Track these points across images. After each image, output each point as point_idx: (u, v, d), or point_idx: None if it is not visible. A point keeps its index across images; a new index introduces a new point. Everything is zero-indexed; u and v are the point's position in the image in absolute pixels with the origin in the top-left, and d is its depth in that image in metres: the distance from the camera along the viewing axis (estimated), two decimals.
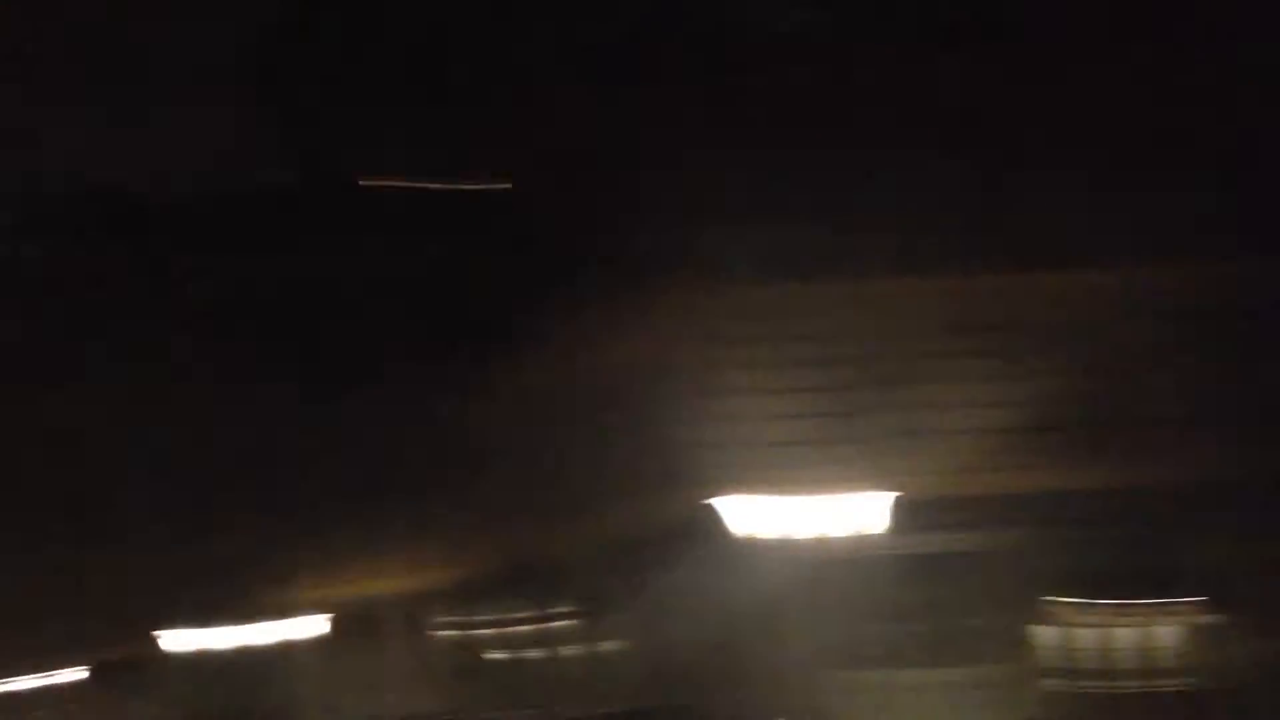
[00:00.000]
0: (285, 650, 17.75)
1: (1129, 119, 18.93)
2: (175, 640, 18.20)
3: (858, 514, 17.43)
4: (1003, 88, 19.04)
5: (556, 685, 18.22)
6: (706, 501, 16.48)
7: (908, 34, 17.49)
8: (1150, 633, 21.26)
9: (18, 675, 18.21)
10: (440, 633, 18.94)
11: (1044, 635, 19.06)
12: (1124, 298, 20.50)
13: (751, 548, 16.99)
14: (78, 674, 18.59)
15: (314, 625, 17.84)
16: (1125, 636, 21.05)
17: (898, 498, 18.12)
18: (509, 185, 17.46)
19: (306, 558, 17.10)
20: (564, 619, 18.44)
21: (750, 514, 17.22)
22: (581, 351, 17.56)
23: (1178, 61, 18.14)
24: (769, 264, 17.62)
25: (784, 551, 17.85)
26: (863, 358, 19.30)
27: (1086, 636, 20.21)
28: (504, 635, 18.67)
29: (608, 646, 17.92)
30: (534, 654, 18.59)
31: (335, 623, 18.38)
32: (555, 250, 16.95)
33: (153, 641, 17.90)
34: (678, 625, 16.99)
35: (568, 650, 18.29)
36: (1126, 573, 20.58)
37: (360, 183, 17.68)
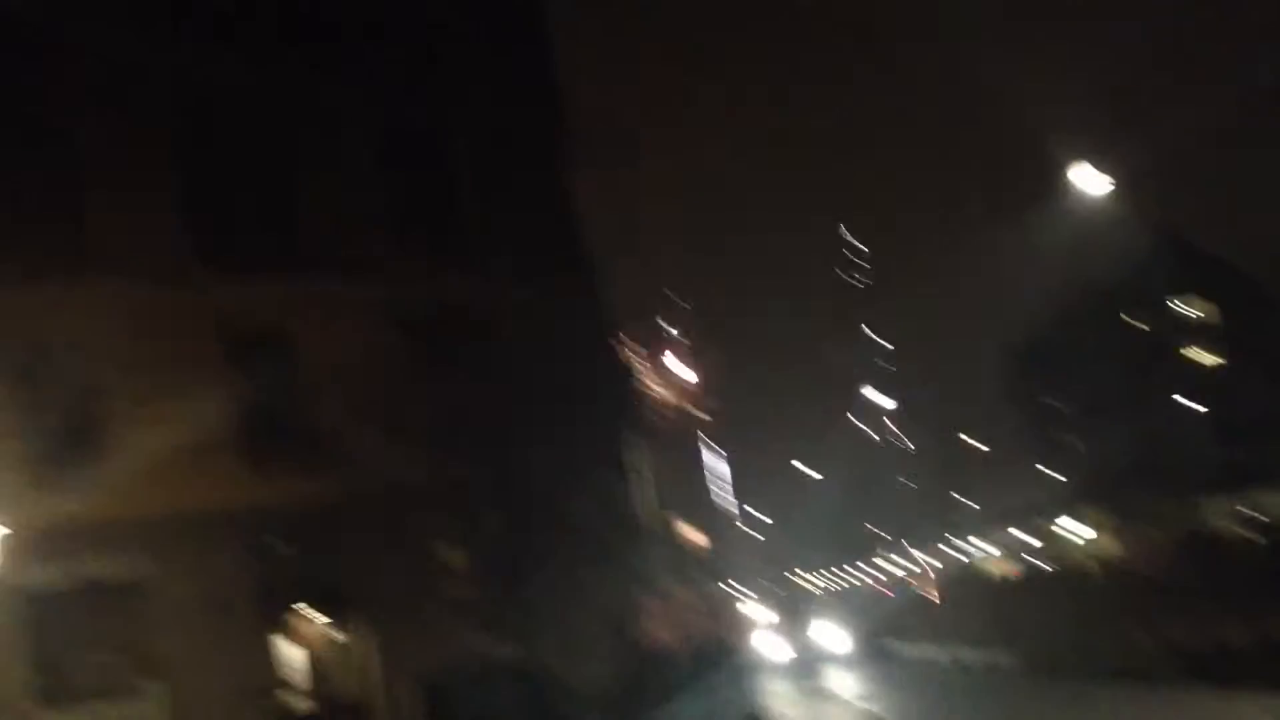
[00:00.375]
0: None
1: None
2: None
3: None
4: None
5: None
6: None
7: None
8: (318, 644, 22.39)
9: None
10: None
11: (230, 653, 19.36)
12: (302, 311, 21.36)
13: None
14: None
15: None
16: (300, 649, 21.96)
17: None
18: None
19: None
20: None
21: None
22: None
23: None
24: None
25: None
26: None
27: (272, 649, 20.83)
28: None
29: None
30: None
31: None
32: None
33: None
34: None
35: None
36: (293, 586, 21.51)
37: None
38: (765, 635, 34.44)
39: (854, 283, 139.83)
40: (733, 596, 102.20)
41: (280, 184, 22.43)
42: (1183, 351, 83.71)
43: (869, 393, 73.28)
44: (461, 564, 21.61)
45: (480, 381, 20.12)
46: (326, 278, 21.58)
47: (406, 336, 20.58)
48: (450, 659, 17.46)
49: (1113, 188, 28.22)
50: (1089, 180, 28.85)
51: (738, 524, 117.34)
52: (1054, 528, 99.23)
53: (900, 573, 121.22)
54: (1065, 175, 28.99)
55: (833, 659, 28.74)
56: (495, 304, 19.89)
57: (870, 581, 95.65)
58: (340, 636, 22.20)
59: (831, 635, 30.46)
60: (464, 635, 21.19)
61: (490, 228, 22.56)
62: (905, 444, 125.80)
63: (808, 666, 27.62)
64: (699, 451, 57.91)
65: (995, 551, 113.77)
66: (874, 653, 33.46)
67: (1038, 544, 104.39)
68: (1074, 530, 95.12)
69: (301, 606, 21.83)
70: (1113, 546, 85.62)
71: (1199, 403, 78.91)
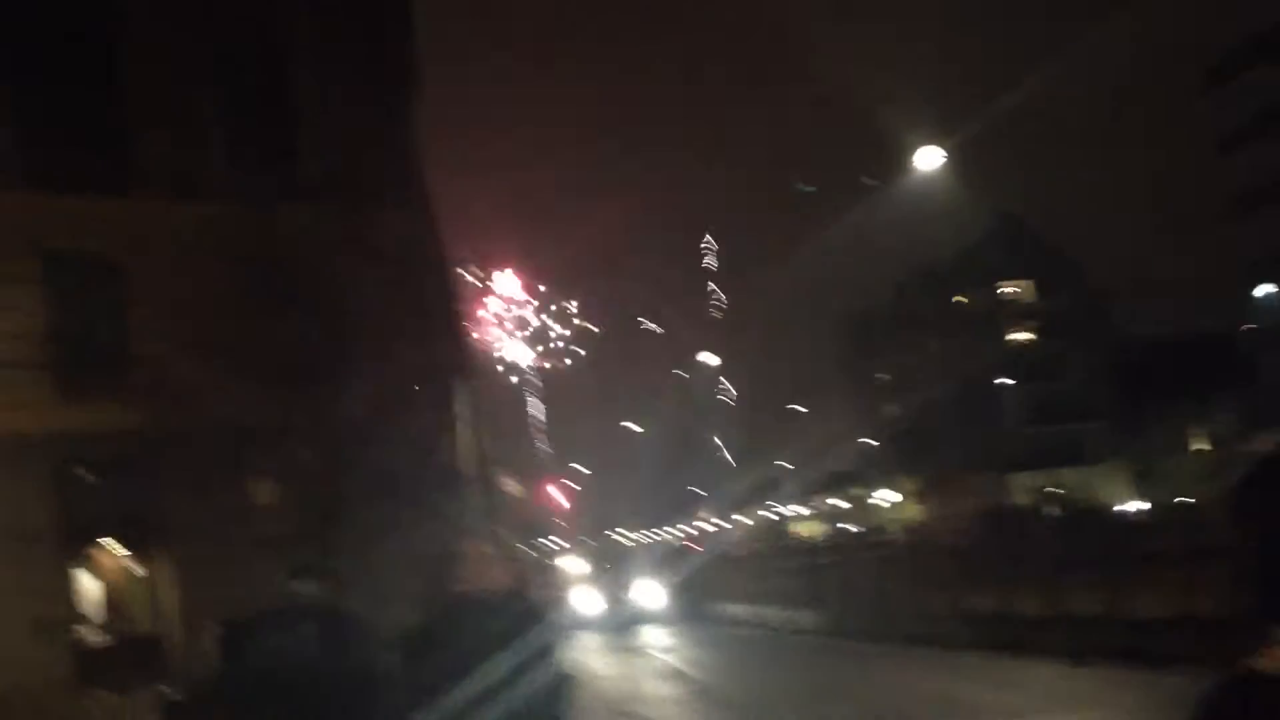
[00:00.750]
0: None
1: None
2: None
3: None
4: None
5: None
6: None
7: None
8: (119, 577, 21.80)
9: None
10: None
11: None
12: (142, 233, 20.68)
13: None
14: None
15: None
16: (100, 581, 21.36)
17: None
18: None
19: None
20: None
21: None
22: None
23: None
24: None
25: None
26: None
27: (71, 580, 20.25)
28: None
29: None
30: None
31: None
32: None
33: None
34: None
35: None
36: (96, 517, 20.93)
37: None
38: (580, 589, 34.77)
39: (706, 251, 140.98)
40: (550, 550, 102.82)
41: (113, 101, 21.65)
42: (1004, 332, 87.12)
43: (703, 356, 74.57)
44: (273, 502, 21.26)
45: (306, 317, 19.72)
46: (157, 199, 20.94)
47: (234, 266, 20.04)
48: (252, 598, 17.16)
49: (945, 160, 29.13)
50: (929, 160, 29.75)
51: (562, 480, 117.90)
52: (867, 495, 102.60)
53: (714, 531, 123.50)
54: (909, 156, 29.74)
55: (646, 615, 29.22)
56: (327, 237, 19.49)
57: (686, 540, 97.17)
58: (141, 570, 21.67)
59: (646, 591, 30.92)
60: (269, 574, 20.84)
61: (327, 157, 22.08)
62: (732, 408, 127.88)
63: (621, 621, 28.00)
64: (526, 405, 57.99)
65: (806, 513, 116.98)
66: (684, 609, 34.09)
67: (849, 509, 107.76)
68: (885, 498, 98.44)
69: (104, 538, 21.27)
70: (920, 515, 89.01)
71: (1016, 382, 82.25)
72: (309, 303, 19.42)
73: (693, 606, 33.51)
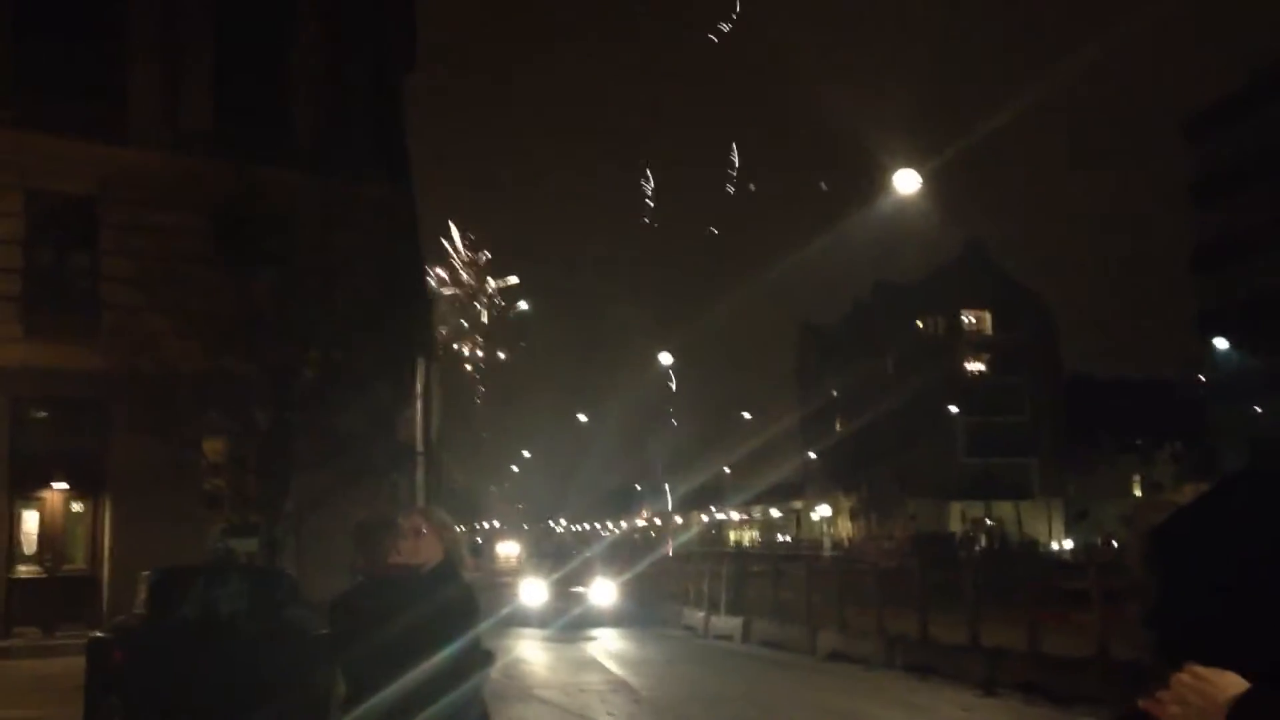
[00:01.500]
0: None
1: None
2: None
3: None
4: None
5: None
6: None
7: None
8: (60, 514, 21.75)
9: None
10: None
11: None
12: None
13: None
14: None
15: None
16: (40, 516, 21.31)
17: None
18: None
19: None
20: None
21: None
22: None
23: None
24: None
25: None
26: None
27: (11, 514, 20.15)
28: None
29: None
30: None
31: None
32: None
33: None
34: None
35: None
36: (46, 453, 20.90)
37: None
38: (522, 577, 34.89)
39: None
40: (494, 535, 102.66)
41: (108, 48, 21.73)
42: (959, 360, 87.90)
43: (663, 357, 75.06)
44: (222, 458, 21.35)
45: (276, 278, 19.84)
46: (142, 148, 21.00)
47: (210, 220, 20.12)
48: (190, 550, 17.29)
49: (921, 186, 29.52)
50: (906, 183, 30.10)
51: (511, 467, 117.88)
52: (804, 508, 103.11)
53: (653, 530, 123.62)
54: (885, 178, 30.00)
55: (595, 613, 29.44)
56: (307, 201, 19.61)
57: (631, 535, 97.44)
58: (81, 508, 21.71)
59: (600, 589, 31.07)
60: (209, 529, 21.02)
61: (315, 123, 22.21)
62: (682, 410, 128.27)
63: (559, 611, 28.17)
64: (481, 390, 57.91)
65: (744, 519, 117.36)
66: (622, 609, 34.37)
67: (786, 520, 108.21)
68: (821, 513, 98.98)
69: (51, 476, 21.30)
70: (853, 532, 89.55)
71: (965, 411, 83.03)
72: (281, 264, 19.54)
73: (628, 606, 33.75)
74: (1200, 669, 1.77)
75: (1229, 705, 1.73)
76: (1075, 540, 73.14)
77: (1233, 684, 1.74)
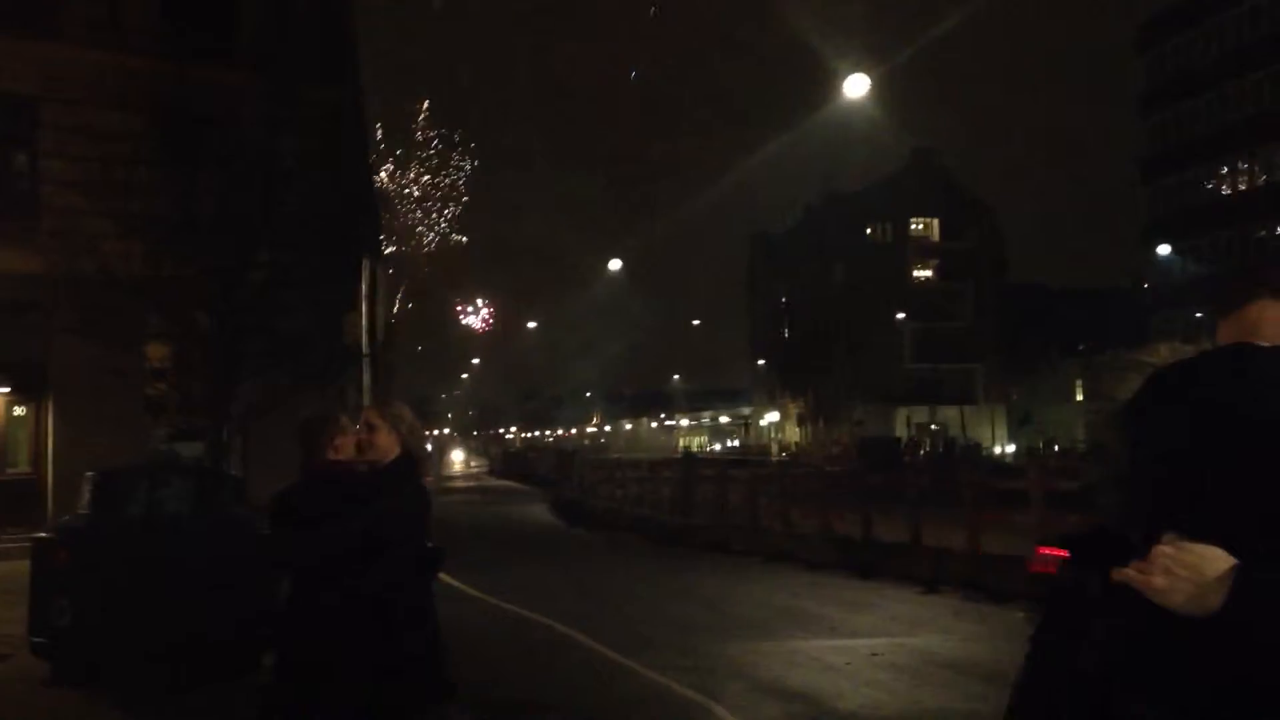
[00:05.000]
0: None
1: None
2: None
3: None
4: None
5: None
6: None
7: None
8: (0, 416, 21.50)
9: None
10: None
11: None
12: None
13: None
14: None
15: None
16: None
17: None
18: None
19: None
20: None
21: None
22: None
23: None
24: None
25: None
26: None
27: None
28: None
29: None
30: None
31: None
32: None
33: None
34: None
35: None
36: None
37: None
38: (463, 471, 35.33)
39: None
40: (445, 441, 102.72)
41: None
42: (907, 267, 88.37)
43: (612, 264, 74.64)
44: (165, 361, 21.17)
45: (221, 179, 19.54)
46: (83, 45, 20.48)
47: (153, 120, 19.71)
48: (133, 450, 17.20)
49: (871, 91, 29.36)
50: (856, 88, 29.90)
51: (462, 376, 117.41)
52: (753, 413, 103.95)
53: (602, 437, 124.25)
54: (836, 84, 29.77)
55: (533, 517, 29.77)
56: (252, 102, 19.23)
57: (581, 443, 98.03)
58: (22, 411, 21.49)
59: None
60: (152, 430, 20.89)
61: (261, 23, 21.71)
62: (633, 316, 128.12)
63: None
64: (443, 297, 57.49)
65: (692, 425, 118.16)
66: (571, 511, 34.65)
67: (735, 425, 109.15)
68: (769, 418, 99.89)
69: None
70: (800, 437, 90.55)
71: (911, 317, 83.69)
72: (226, 165, 19.23)
73: (577, 509, 34.08)
74: (1184, 541, 1.72)
75: (1224, 579, 1.68)
76: (1018, 444, 74.33)
77: (1219, 558, 1.70)
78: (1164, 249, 60.95)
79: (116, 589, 9.83)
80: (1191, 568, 1.69)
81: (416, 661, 4.98)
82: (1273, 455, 1.76)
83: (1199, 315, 50.15)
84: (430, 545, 5.45)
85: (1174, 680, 1.74)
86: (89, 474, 11.14)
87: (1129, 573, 1.74)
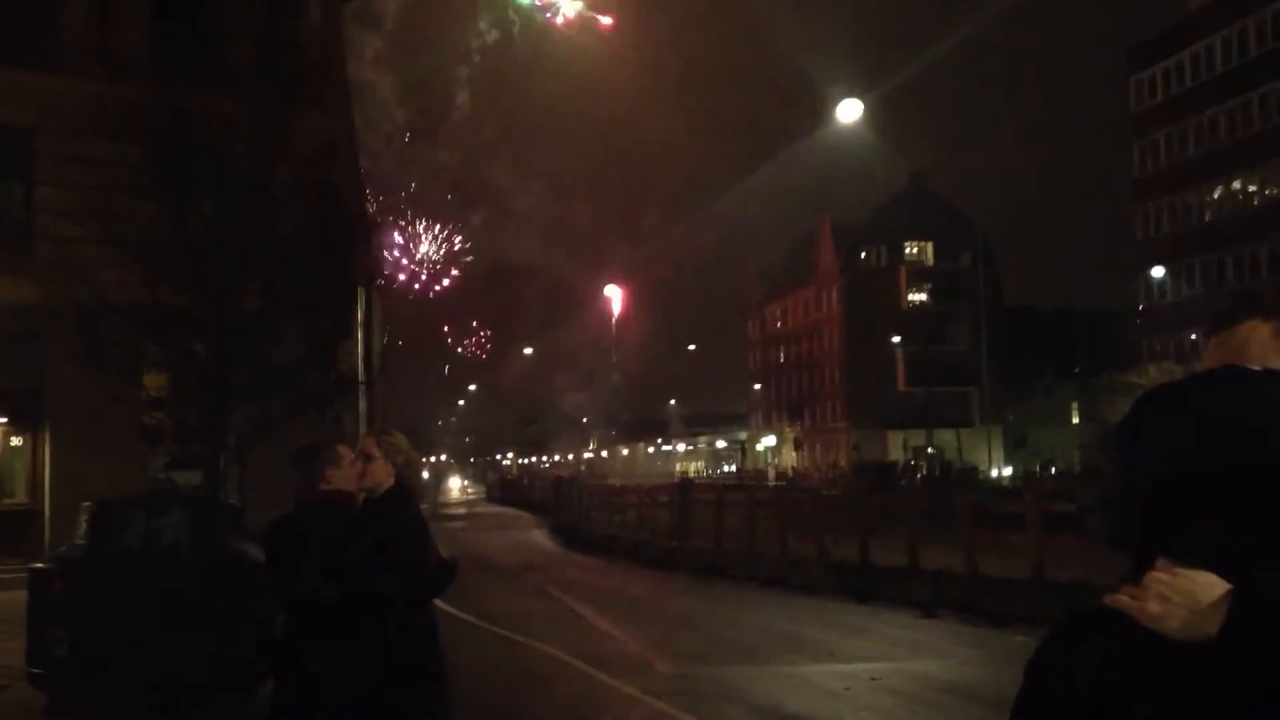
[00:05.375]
0: None
1: None
2: None
3: None
4: None
5: None
6: None
7: None
8: None
9: None
10: None
11: None
12: None
13: None
14: None
15: None
16: None
17: None
18: None
19: None
20: None
21: None
22: None
23: None
24: None
25: None
26: None
27: None
28: None
29: None
30: None
31: None
32: None
33: None
34: None
35: None
36: None
37: None
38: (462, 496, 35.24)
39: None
40: (441, 468, 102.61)
41: None
42: (902, 291, 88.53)
43: (608, 290, 74.74)
44: (162, 390, 21.18)
45: (214, 208, 19.59)
46: (78, 75, 20.57)
47: (148, 150, 19.79)
48: (131, 481, 17.18)
49: (862, 114, 29.45)
50: (849, 113, 30.06)
51: (459, 403, 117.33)
52: (749, 438, 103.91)
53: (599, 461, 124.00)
54: (829, 110, 29.85)
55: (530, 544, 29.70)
56: (244, 130, 19.30)
57: (571, 472, 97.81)
58: (19, 441, 21.47)
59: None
60: (148, 459, 20.89)
61: (252, 51, 21.76)
62: (630, 343, 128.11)
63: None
64: (438, 326, 57.69)
65: (689, 450, 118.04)
66: (567, 536, 34.58)
67: (731, 450, 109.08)
68: (765, 443, 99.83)
69: None
70: (796, 461, 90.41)
71: (907, 341, 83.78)
72: (219, 194, 19.27)
73: (575, 534, 34.03)
74: (1178, 567, 1.70)
75: (1219, 604, 1.66)
76: (1014, 467, 74.31)
77: (1213, 583, 1.68)
78: (1157, 271, 61.06)
79: (113, 620, 9.80)
80: (1185, 594, 1.68)
81: (413, 674, 4.98)
82: (1264, 474, 1.74)
83: (1193, 337, 50.23)
84: (444, 557, 5.44)
85: (1173, 697, 1.71)
86: (86, 504, 11.12)
87: (1122, 599, 1.73)
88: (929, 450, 77.66)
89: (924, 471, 66.78)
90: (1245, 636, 1.65)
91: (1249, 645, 1.66)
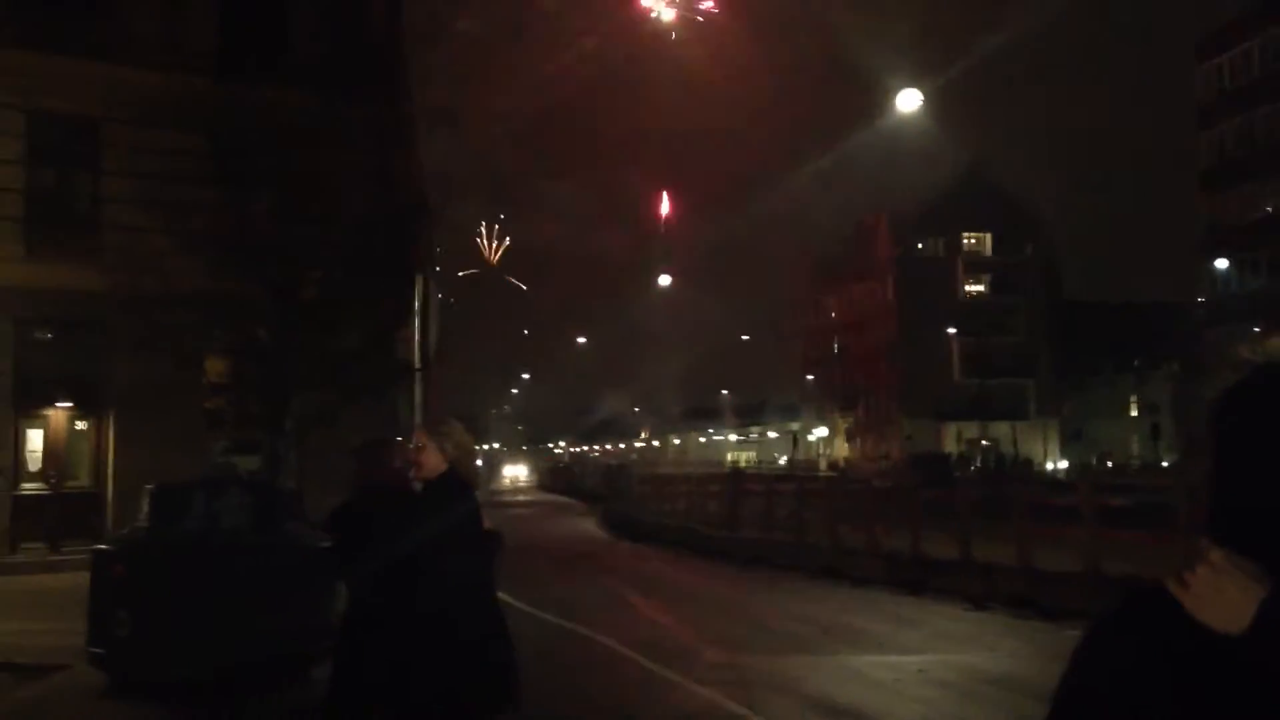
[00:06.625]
0: None
1: None
2: None
3: None
4: None
5: None
6: None
7: None
8: (62, 431, 21.91)
9: None
10: None
11: None
12: None
13: None
14: None
15: None
16: (44, 433, 21.53)
17: None
18: None
19: None
20: None
21: None
22: None
23: None
24: None
25: None
26: None
27: (16, 430, 20.40)
28: None
29: None
30: None
31: None
32: None
33: None
34: None
35: None
36: (49, 370, 21.08)
37: None
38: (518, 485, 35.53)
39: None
40: (497, 456, 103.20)
41: None
42: (959, 282, 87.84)
43: (662, 279, 74.82)
44: (224, 376, 21.52)
45: (276, 197, 19.87)
46: (144, 67, 20.89)
47: (211, 139, 20.11)
48: (192, 466, 17.48)
49: (924, 115, 29.25)
50: (909, 103, 29.88)
51: (512, 390, 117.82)
52: (801, 428, 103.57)
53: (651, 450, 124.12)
54: (888, 100, 29.71)
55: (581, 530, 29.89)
56: (306, 121, 19.55)
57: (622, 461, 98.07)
58: (84, 426, 21.88)
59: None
60: (209, 443, 21.24)
61: (314, 44, 22.05)
62: (682, 331, 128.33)
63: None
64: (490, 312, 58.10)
65: (740, 440, 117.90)
66: (620, 524, 34.78)
67: (783, 440, 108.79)
68: (818, 433, 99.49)
69: (55, 395, 21.47)
70: (849, 452, 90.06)
71: (962, 332, 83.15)
72: (281, 183, 19.55)
73: (625, 522, 34.16)
74: (1225, 559, 1.67)
75: (1252, 603, 1.64)
76: (1070, 460, 73.59)
77: (1251, 585, 1.65)
78: (1221, 262, 60.18)
79: (173, 601, 10.02)
80: (1221, 589, 1.67)
81: (487, 666, 5.06)
82: None
83: (1256, 330, 49.49)
84: (487, 531, 5.54)
85: (1198, 690, 1.69)
86: (148, 487, 11.36)
87: (1173, 582, 1.72)
88: (983, 442, 77.08)
89: (978, 463, 66.29)
90: (1261, 645, 1.65)
91: (1261, 654, 1.65)
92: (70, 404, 21.80)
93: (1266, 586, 1.67)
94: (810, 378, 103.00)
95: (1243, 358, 1.88)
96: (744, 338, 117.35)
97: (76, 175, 21.69)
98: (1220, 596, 1.67)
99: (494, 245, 53.49)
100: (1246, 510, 1.74)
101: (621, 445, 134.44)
